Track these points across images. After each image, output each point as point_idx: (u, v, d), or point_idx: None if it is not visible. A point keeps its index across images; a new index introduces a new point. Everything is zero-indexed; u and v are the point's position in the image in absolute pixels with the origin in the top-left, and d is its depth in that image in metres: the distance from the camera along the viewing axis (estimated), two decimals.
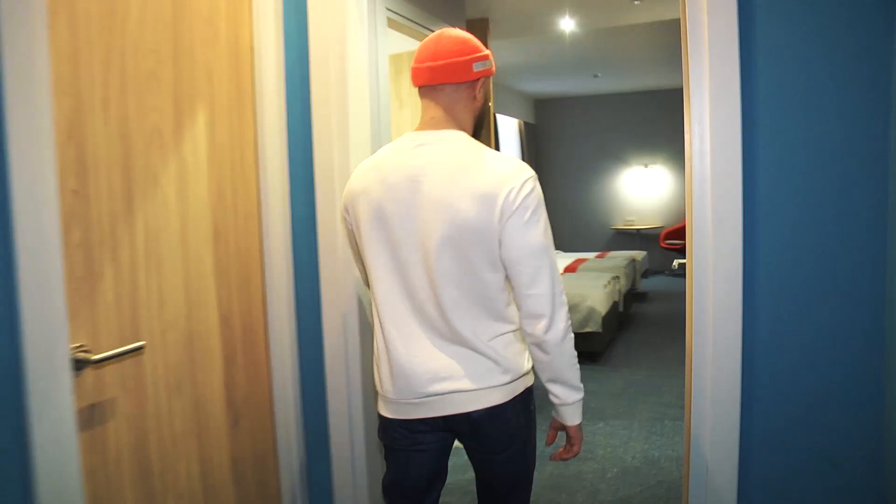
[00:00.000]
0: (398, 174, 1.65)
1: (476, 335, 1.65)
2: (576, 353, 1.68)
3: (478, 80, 1.72)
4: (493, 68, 1.74)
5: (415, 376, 1.67)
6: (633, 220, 11.09)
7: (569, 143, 11.31)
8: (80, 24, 1.53)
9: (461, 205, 1.57)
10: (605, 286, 5.71)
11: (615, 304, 6.09)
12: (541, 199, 1.63)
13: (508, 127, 10.26)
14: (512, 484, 1.80)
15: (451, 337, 1.66)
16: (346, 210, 1.78)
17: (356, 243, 1.81)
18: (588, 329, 5.37)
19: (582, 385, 1.72)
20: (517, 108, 10.56)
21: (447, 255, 1.61)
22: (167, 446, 1.81)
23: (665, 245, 10.06)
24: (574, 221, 11.37)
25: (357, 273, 2.18)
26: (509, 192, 1.57)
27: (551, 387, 1.70)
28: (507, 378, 1.68)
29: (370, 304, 1.94)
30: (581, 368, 1.72)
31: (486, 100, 1.78)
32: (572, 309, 5.39)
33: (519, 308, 1.65)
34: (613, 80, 9.79)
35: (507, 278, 1.65)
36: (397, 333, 1.69)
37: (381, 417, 1.79)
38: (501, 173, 1.59)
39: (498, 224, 1.57)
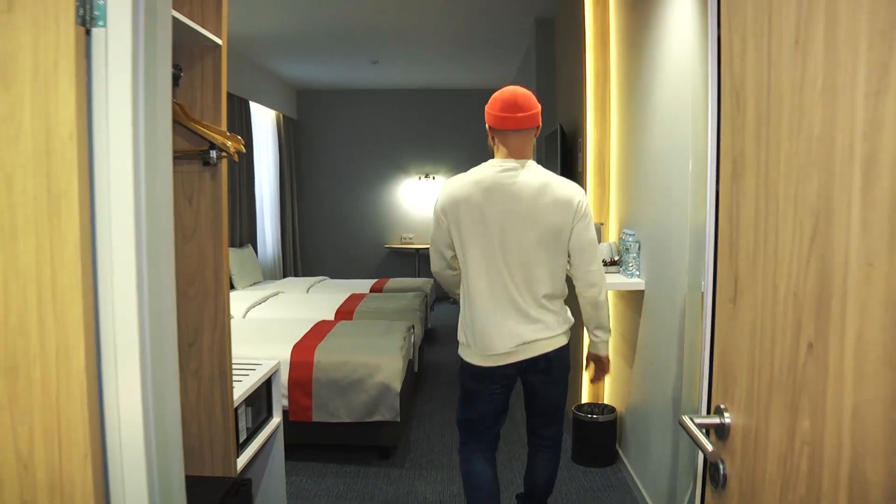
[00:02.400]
0: (497, 188, 2.40)
1: (550, 300, 2.47)
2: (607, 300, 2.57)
3: (538, 126, 2.51)
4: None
5: (504, 332, 2.42)
6: (410, 238, 9.56)
7: (338, 144, 9.49)
8: None
9: (547, 211, 2.38)
10: (401, 346, 3.98)
11: (410, 367, 4.38)
12: (590, 207, 2.50)
13: (263, 119, 8.19)
14: (558, 417, 2.70)
15: (533, 303, 2.43)
16: (444, 212, 2.46)
17: (448, 238, 2.50)
18: (378, 418, 3.61)
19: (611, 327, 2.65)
20: (275, 98, 8.52)
21: (538, 246, 2.40)
22: None
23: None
24: (342, 239, 9.58)
25: (440, 260, 2.61)
26: (578, 203, 2.42)
27: (595, 332, 2.60)
28: (567, 327, 2.54)
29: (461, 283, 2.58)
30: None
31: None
32: (353, 388, 3.62)
33: (578, 280, 2.49)
34: (396, 72, 8.15)
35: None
36: (491, 304, 2.42)
37: (474, 367, 2.51)
38: (571, 190, 2.44)
39: (571, 224, 2.41)
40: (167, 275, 1.43)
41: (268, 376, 2.74)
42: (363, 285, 6.73)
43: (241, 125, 7.16)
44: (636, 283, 3.25)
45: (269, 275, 8.14)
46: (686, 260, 2.63)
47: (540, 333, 2.43)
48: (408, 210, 9.55)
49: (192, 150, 2.13)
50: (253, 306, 5.27)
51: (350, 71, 8.06)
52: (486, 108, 2.48)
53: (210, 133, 2.08)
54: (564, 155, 4.32)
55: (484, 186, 2.39)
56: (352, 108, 9.43)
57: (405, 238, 9.56)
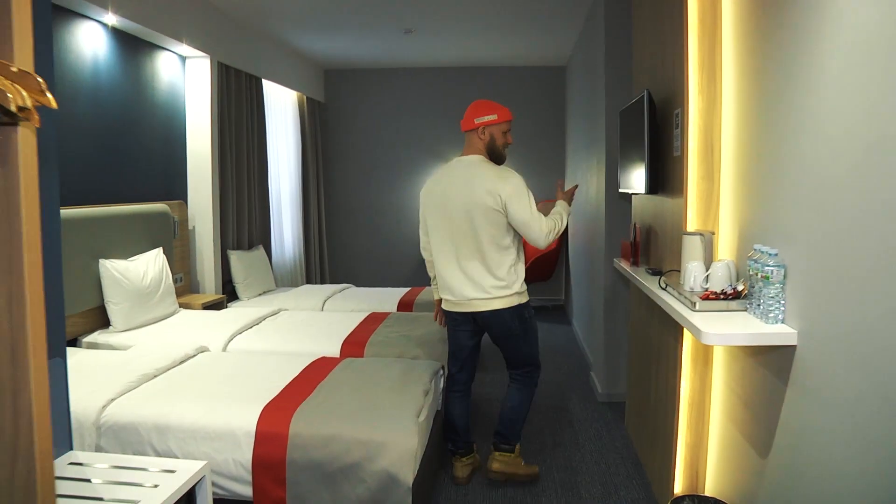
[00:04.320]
0: (448, 179, 3.21)
1: (490, 270, 3.15)
2: (554, 225, 3.20)
3: (478, 127, 3.22)
4: (498, 119, 3.21)
5: (457, 291, 3.20)
6: None
7: (371, 130, 8.38)
8: None
9: (481, 196, 3.07)
10: (420, 407, 2.83)
11: (431, 439, 3.20)
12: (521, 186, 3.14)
13: (281, 101, 7.12)
14: (518, 361, 3.35)
15: (478, 269, 3.14)
16: (421, 203, 3.38)
17: (425, 223, 3.37)
18: None
19: (564, 218, 3.30)
20: (297, 77, 7.44)
21: (476, 224, 3.10)
22: None
23: None
24: (373, 239, 8.48)
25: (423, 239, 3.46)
26: (501, 190, 3.06)
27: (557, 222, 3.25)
28: (507, 293, 3.14)
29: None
30: None
31: (493, 140, 3.22)
32: (344, 476, 2.51)
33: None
34: (434, 45, 6.99)
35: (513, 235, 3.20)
36: (448, 270, 3.21)
37: (447, 312, 3.34)
38: (495, 178, 3.10)
39: (501, 207, 3.08)
40: None
41: (182, 493, 1.65)
42: (390, 298, 5.58)
43: (251, 107, 6.09)
44: (779, 332, 2.05)
45: (287, 280, 7.08)
46: None
47: (478, 294, 3.14)
48: None
49: None
50: (240, 331, 4.17)
51: (381, 44, 6.93)
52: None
53: None
54: (653, 133, 3.09)
55: (444, 179, 3.26)
56: (385, 90, 8.31)
57: None
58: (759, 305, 2.19)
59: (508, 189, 3.04)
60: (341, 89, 8.36)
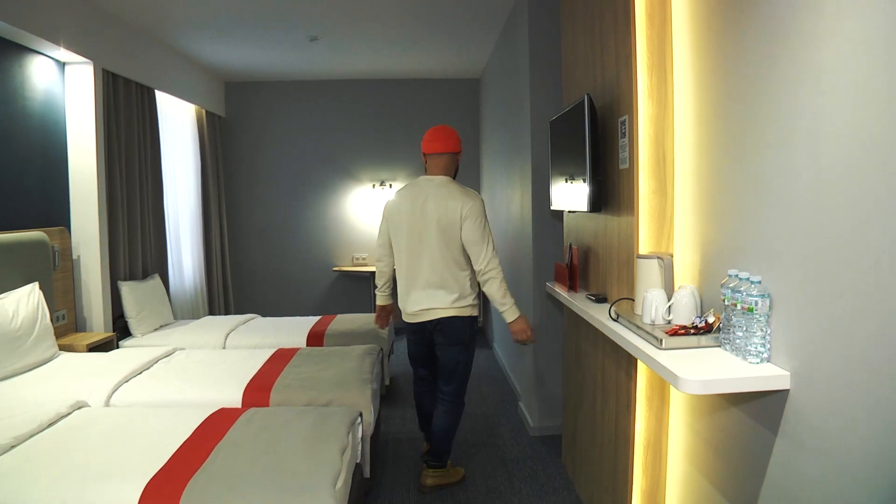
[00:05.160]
0: (417, 196, 3.39)
1: (443, 282, 3.38)
2: (503, 286, 3.37)
3: (458, 152, 3.53)
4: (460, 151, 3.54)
5: (415, 303, 3.41)
6: (363, 259, 7.96)
7: (276, 147, 7.85)
8: None
9: (446, 213, 3.31)
10: (336, 478, 2.35)
11: (358, 471, 2.77)
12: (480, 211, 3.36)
13: (178, 115, 6.52)
14: (454, 377, 3.49)
15: (438, 282, 3.36)
16: (386, 217, 3.52)
17: (387, 237, 3.54)
18: None
19: (507, 300, 3.39)
20: (196, 90, 6.86)
21: (440, 239, 3.32)
22: None
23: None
24: (281, 262, 7.93)
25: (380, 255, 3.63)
26: (463, 207, 3.31)
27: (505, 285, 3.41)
28: (464, 303, 3.40)
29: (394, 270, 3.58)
30: None
31: (458, 165, 3.56)
32: None
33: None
34: (342, 56, 6.56)
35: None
36: (409, 282, 3.42)
37: (406, 324, 3.54)
38: (461, 197, 3.35)
39: (459, 223, 3.31)
40: None
41: None
42: (299, 330, 5.05)
43: (142, 121, 5.49)
44: (770, 374, 1.73)
45: (187, 312, 6.45)
46: None
47: (435, 304, 3.39)
48: (360, 225, 7.94)
49: None
50: (128, 379, 3.58)
51: (285, 53, 6.45)
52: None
53: None
54: (595, 142, 2.76)
55: (411, 195, 3.46)
56: (292, 104, 7.81)
57: (357, 259, 7.95)
58: (737, 341, 1.87)
59: (469, 208, 3.29)
60: (244, 103, 7.80)
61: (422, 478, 3.59)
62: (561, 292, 3.35)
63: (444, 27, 5.56)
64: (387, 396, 5.06)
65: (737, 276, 1.89)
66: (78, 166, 4.75)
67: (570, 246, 3.44)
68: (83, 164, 4.75)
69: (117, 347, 4.72)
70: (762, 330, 1.79)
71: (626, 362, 2.64)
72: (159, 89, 5.86)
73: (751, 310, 1.79)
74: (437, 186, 3.37)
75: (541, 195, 4.27)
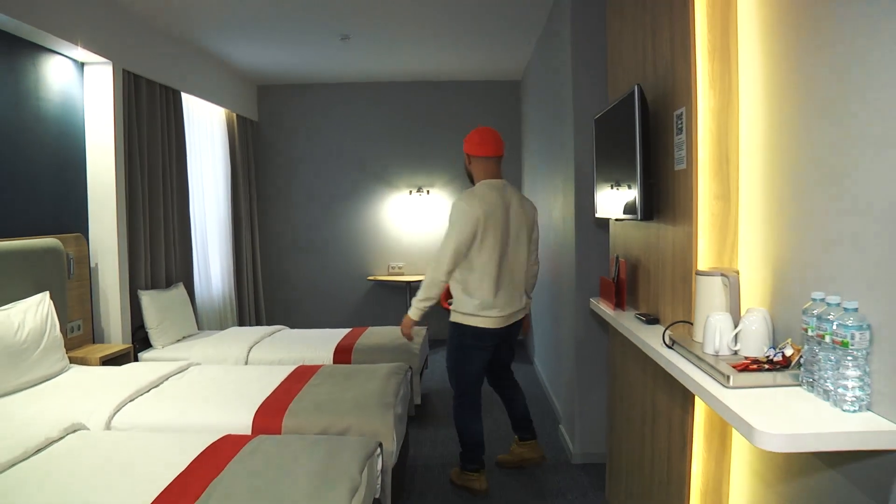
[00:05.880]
0: (503, 199, 3.43)
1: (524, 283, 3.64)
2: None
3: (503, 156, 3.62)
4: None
5: (507, 304, 3.47)
6: (400, 268, 7.67)
7: (309, 152, 7.63)
8: None
9: (525, 215, 3.51)
10: None
11: None
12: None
13: (207, 119, 6.32)
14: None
15: (521, 283, 3.57)
16: (479, 221, 3.34)
17: (471, 240, 3.36)
18: None
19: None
20: (227, 93, 6.66)
21: (525, 242, 3.50)
22: None
23: (448, 305, 6.67)
24: (314, 271, 7.70)
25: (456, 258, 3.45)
26: (533, 211, 3.60)
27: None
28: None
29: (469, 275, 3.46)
30: None
31: None
32: None
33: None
34: (374, 54, 6.28)
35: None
36: (498, 284, 3.41)
37: (490, 332, 3.47)
38: (528, 200, 3.62)
39: (532, 225, 3.59)
40: None
41: None
42: (327, 342, 4.76)
43: (167, 124, 5.29)
44: (866, 425, 1.35)
45: (214, 322, 6.23)
46: None
47: (519, 305, 3.59)
48: (396, 233, 7.66)
49: None
50: (133, 398, 3.32)
51: (317, 53, 6.20)
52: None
53: None
54: (646, 139, 2.39)
55: (502, 201, 3.46)
56: (324, 107, 7.57)
57: (393, 268, 7.67)
58: (825, 382, 1.49)
59: (536, 212, 3.66)
60: (276, 107, 7.60)
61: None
62: (606, 310, 2.98)
63: (482, 25, 5.25)
64: (416, 417, 4.73)
65: (823, 300, 1.52)
66: (96, 170, 4.55)
67: (617, 259, 3.07)
68: (102, 168, 4.55)
69: (135, 359, 4.51)
70: (860, 370, 1.41)
71: (682, 395, 2.27)
72: (185, 91, 5.66)
73: (845, 344, 1.42)
74: (511, 189, 3.52)
75: (583, 201, 3.91)
